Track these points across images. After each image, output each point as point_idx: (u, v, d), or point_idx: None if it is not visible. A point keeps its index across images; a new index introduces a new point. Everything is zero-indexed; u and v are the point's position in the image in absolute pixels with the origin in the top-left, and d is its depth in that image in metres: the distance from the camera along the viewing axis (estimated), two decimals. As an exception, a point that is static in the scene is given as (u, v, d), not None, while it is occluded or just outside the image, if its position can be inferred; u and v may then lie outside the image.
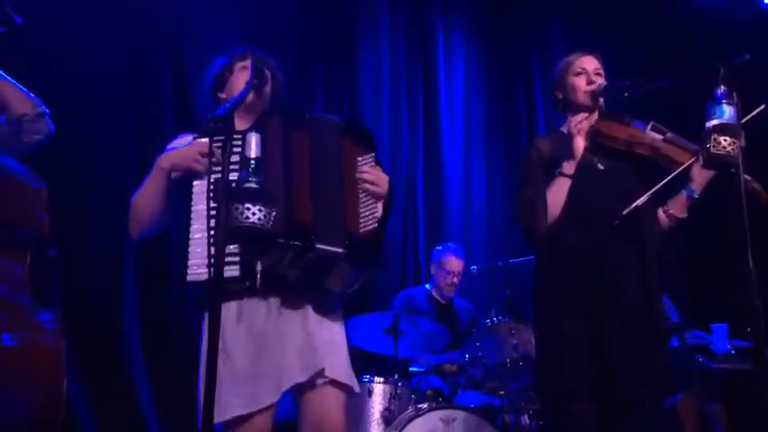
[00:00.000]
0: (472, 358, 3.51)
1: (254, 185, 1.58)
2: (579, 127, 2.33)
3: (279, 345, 1.96)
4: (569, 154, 2.30)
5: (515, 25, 5.62)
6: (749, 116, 2.03)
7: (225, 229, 1.55)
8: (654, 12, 5.30)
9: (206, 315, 1.83)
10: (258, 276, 1.82)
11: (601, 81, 2.39)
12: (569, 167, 2.29)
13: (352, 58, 5.08)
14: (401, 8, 5.30)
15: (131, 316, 4.07)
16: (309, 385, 1.99)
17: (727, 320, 4.03)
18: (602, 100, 2.41)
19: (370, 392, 3.38)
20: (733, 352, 3.87)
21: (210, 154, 1.72)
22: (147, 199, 2.04)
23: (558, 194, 2.29)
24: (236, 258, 1.85)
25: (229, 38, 4.47)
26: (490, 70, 5.55)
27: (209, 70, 2.25)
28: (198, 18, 4.49)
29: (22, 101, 2.26)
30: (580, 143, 2.32)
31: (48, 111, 2.32)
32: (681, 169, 2.24)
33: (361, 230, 1.96)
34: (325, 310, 2.06)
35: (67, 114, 2.40)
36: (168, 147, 2.10)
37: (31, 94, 2.30)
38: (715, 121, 1.79)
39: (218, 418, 1.88)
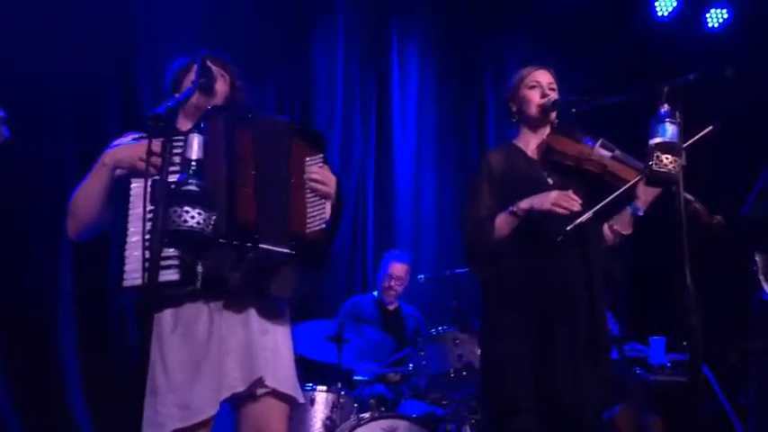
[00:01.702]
0: (416, 367, 3.50)
1: (193, 188, 1.52)
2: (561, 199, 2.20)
3: (219, 353, 1.90)
4: (536, 202, 2.23)
5: (470, 34, 5.66)
6: (695, 138, 2.07)
7: (162, 233, 1.49)
8: (607, 29, 5.43)
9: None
10: (198, 279, 1.75)
11: (553, 95, 2.41)
12: (522, 210, 2.25)
13: (306, 62, 5.04)
14: (356, 14, 5.28)
15: (66, 320, 3.93)
16: (250, 396, 1.94)
17: (664, 334, 4.13)
18: (553, 114, 2.43)
19: (312, 401, 3.33)
20: (669, 365, 3.96)
21: (153, 153, 1.64)
22: (87, 196, 1.96)
23: (505, 228, 2.28)
24: (176, 262, 1.79)
25: (183, 39, 4.38)
26: (443, 79, 5.58)
27: (166, 70, 2.18)
28: (150, 18, 4.39)
29: None
30: (549, 200, 2.21)
31: (4, 115, 2.23)
32: (626, 187, 2.27)
33: (307, 231, 1.92)
34: (269, 316, 2.00)
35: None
36: (111, 144, 2.02)
37: None
38: (658, 139, 1.82)
39: (157, 430, 1.82)
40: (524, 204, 2.25)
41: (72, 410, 3.83)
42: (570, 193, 2.21)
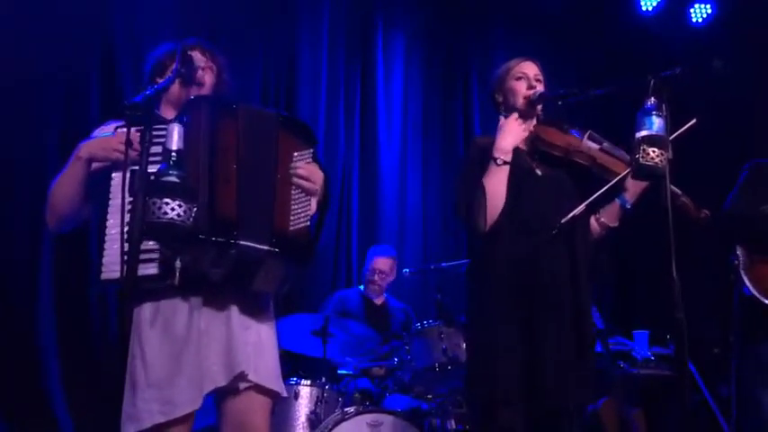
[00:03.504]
0: (401, 361, 3.48)
1: (173, 179, 1.48)
2: (517, 123, 2.33)
3: (199, 347, 1.87)
4: (510, 138, 2.29)
5: (456, 26, 5.64)
6: (679, 131, 2.07)
7: (141, 225, 1.46)
8: (592, 23, 5.44)
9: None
10: (177, 274, 1.72)
11: (540, 87, 2.40)
12: (507, 153, 2.27)
13: (290, 53, 4.99)
14: (342, 5, 5.24)
15: (46, 313, 3.87)
16: (232, 390, 1.92)
17: (647, 327, 4.16)
18: (539, 107, 2.42)
19: (296, 395, 3.31)
20: (653, 358, 3.99)
21: (129, 143, 1.60)
22: (64, 189, 1.92)
23: (497, 185, 2.25)
24: (155, 255, 1.75)
25: (164, 26, 4.33)
26: (429, 70, 5.55)
27: (150, 55, 2.12)
28: (134, 8, 4.33)
29: None
30: (517, 132, 2.31)
31: None
32: (616, 180, 2.27)
33: (290, 228, 1.88)
34: (252, 310, 1.97)
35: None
36: (93, 134, 1.99)
37: None
38: (644, 132, 1.81)
39: (135, 426, 1.79)
40: (508, 146, 2.28)
41: (52, 404, 3.78)
42: (512, 116, 2.33)
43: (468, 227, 2.30)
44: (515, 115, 2.36)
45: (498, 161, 2.27)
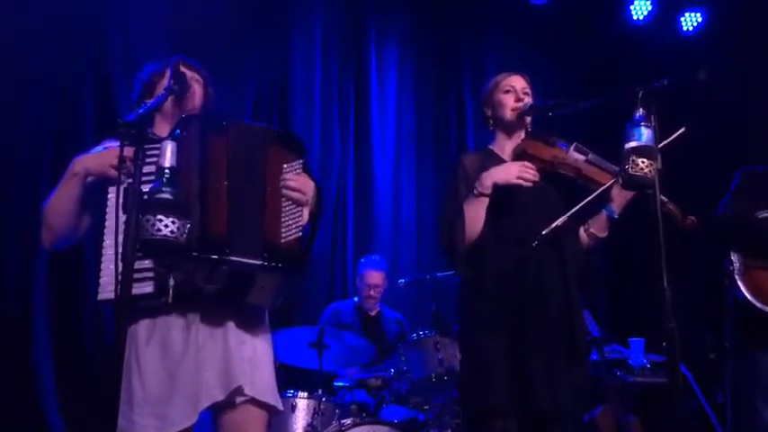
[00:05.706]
0: (397, 372, 3.49)
1: (167, 196, 1.49)
2: (522, 170, 2.28)
3: (196, 362, 1.87)
4: (497, 175, 2.28)
5: (449, 36, 5.66)
6: (668, 140, 2.10)
7: (135, 243, 1.46)
8: (583, 32, 5.48)
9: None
10: (170, 292, 1.72)
11: (528, 100, 2.43)
12: (486, 187, 2.28)
13: (284, 65, 5.01)
14: (335, 15, 5.27)
15: (41, 327, 3.87)
16: (228, 404, 1.92)
17: (643, 334, 4.17)
18: (528, 119, 2.45)
19: (293, 407, 3.31)
20: (648, 366, 3.99)
21: (125, 160, 1.61)
22: (58, 206, 1.92)
23: (475, 214, 2.29)
24: (150, 274, 1.75)
25: (157, 40, 4.35)
26: (422, 81, 5.57)
27: (137, 76, 2.14)
28: (127, 22, 4.35)
29: None
30: (512, 174, 2.27)
31: None
32: (600, 190, 2.29)
33: (282, 240, 1.89)
34: (248, 324, 1.98)
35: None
36: (89, 152, 1.99)
37: None
38: (633, 143, 1.83)
39: None
40: (487, 181, 2.27)
41: (47, 418, 3.77)
42: (526, 162, 2.27)
43: (445, 247, 2.33)
44: (521, 164, 2.30)
45: (476, 191, 2.29)
